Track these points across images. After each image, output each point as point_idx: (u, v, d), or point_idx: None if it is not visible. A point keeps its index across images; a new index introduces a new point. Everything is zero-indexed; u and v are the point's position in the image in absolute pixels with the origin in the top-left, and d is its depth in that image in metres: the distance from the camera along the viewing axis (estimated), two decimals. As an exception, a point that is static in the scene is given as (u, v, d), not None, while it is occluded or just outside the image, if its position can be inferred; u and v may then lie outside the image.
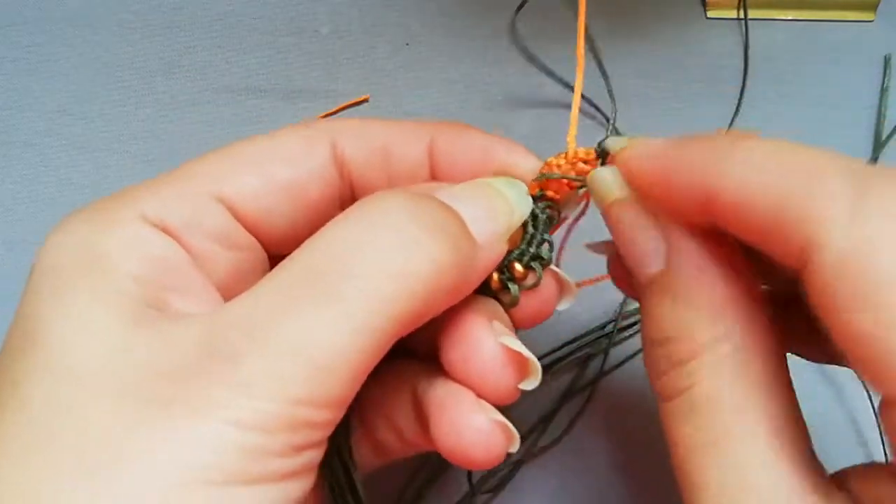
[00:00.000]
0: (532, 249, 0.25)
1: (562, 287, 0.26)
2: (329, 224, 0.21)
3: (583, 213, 0.27)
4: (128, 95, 0.41)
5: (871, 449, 0.34)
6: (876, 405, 0.21)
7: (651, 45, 0.42)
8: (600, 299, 0.36)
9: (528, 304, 0.26)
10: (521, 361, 0.24)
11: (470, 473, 0.31)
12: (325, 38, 0.43)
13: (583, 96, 0.39)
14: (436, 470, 0.34)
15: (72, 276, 0.21)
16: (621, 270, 0.25)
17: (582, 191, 0.26)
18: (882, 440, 0.33)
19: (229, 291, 0.23)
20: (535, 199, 0.26)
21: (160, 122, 0.41)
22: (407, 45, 0.42)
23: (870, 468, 0.20)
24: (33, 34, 0.42)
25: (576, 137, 0.26)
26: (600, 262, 0.27)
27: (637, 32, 0.42)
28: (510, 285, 0.25)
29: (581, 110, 0.40)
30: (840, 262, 0.17)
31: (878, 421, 0.33)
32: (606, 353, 0.36)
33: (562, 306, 0.26)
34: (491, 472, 0.34)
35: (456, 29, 0.43)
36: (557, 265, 0.27)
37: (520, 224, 0.25)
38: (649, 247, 0.24)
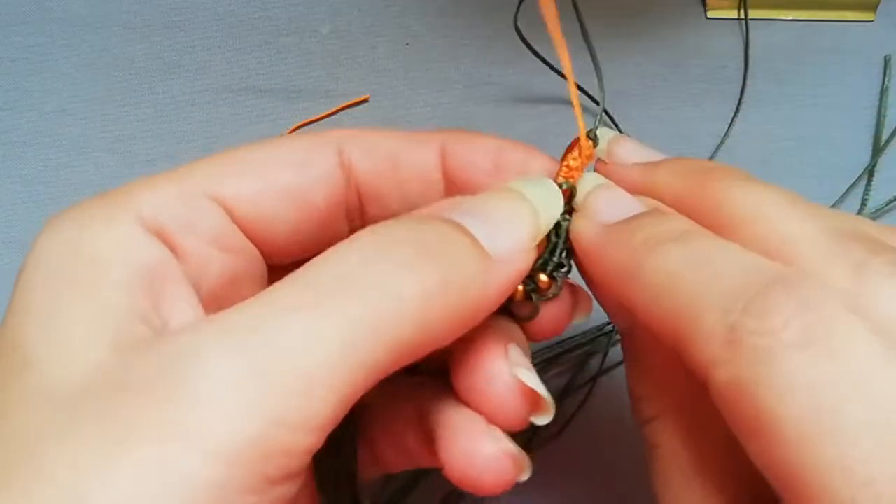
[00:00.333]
0: (555, 259, 0.24)
1: (577, 299, 0.25)
2: (333, 248, 0.20)
3: None
4: (128, 95, 0.41)
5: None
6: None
7: (650, 44, 0.42)
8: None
9: (546, 316, 0.24)
10: (536, 398, 0.23)
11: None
12: (325, 38, 0.43)
13: (581, 89, 0.39)
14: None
15: (60, 290, 0.19)
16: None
17: None
18: None
19: (220, 298, 0.22)
20: None
21: (160, 122, 0.41)
22: (407, 45, 0.42)
23: None
24: (33, 34, 0.42)
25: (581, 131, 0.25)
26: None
27: (636, 32, 0.42)
28: (533, 296, 0.24)
29: (582, 107, 0.40)
30: (723, 398, 0.18)
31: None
32: (606, 352, 0.36)
33: (578, 319, 0.25)
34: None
35: (456, 29, 0.43)
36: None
37: (551, 226, 0.23)
38: (613, 308, 0.25)
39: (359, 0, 0.43)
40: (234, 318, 0.18)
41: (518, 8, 0.24)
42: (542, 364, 0.35)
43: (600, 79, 0.28)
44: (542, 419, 0.23)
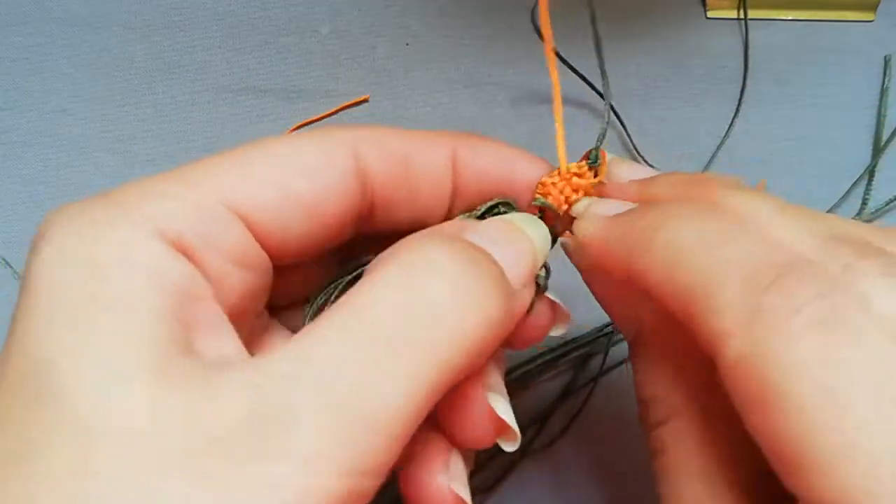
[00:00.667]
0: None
1: (556, 313, 0.26)
2: (375, 276, 0.20)
3: None
4: (128, 95, 0.41)
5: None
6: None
7: (651, 45, 0.42)
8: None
9: (519, 329, 0.24)
10: (504, 426, 0.23)
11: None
12: (325, 38, 0.43)
13: (588, 83, 0.39)
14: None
15: (86, 311, 0.18)
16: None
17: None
18: None
19: (237, 317, 0.21)
20: None
21: (160, 122, 0.41)
22: (407, 45, 0.42)
23: None
24: (33, 34, 0.42)
25: (567, 151, 0.26)
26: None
27: (637, 32, 0.42)
28: None
29: (586, 107, 0.40)
30: (733, 370, 0.18)
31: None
32: (606, 352, 0.36)
33: (555, 332, 0.26)
34: (486, 470, 0.34)
35: (456, 29, 0.43)
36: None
37: (539, 267, 0.24)
38: (623, 312, 0.25)
39: (359, 0, 0.43)
40: (303, 357, 0.18)
41: (535, 5, 0.25)
42: (543, 365, 0.35)
43: (606, 86, 0.28)
44: (508, 446, 0.23)
